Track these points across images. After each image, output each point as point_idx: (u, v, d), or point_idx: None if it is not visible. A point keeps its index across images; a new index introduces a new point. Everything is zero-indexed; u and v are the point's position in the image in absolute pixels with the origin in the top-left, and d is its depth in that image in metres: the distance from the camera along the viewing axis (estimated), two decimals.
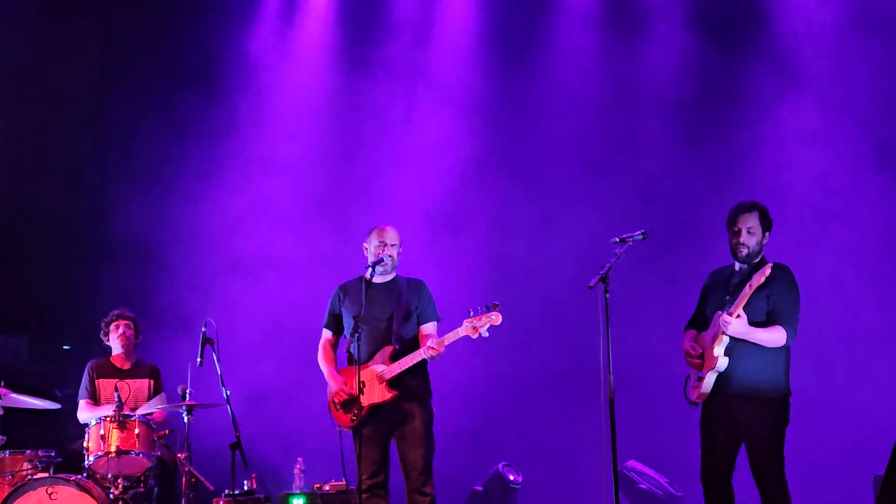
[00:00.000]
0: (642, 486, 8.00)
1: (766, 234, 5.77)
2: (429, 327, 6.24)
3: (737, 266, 5.80)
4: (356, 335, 6.00)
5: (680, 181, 8.97)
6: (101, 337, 7.53)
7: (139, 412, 6.87)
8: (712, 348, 5.58)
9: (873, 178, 8.56)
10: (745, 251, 5.71)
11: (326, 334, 6.42)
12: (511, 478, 8.33)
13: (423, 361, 6.13)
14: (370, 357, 6.13)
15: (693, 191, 8.83)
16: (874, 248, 8.45)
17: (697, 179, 8.86)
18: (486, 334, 5.92)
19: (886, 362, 8.26)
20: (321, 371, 6.37)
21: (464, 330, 5.94)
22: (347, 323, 6.28)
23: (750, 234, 5.71)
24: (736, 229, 5.74)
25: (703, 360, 5.69)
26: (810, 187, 8.69)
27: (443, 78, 9.83)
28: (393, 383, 6.06)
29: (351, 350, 6.19)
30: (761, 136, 8.91)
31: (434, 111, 9.73)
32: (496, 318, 5.91)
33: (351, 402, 6.04)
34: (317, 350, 6.40)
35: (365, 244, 6.40)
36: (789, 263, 5.73)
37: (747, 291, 5.46)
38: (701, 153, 8.97)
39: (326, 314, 6.43)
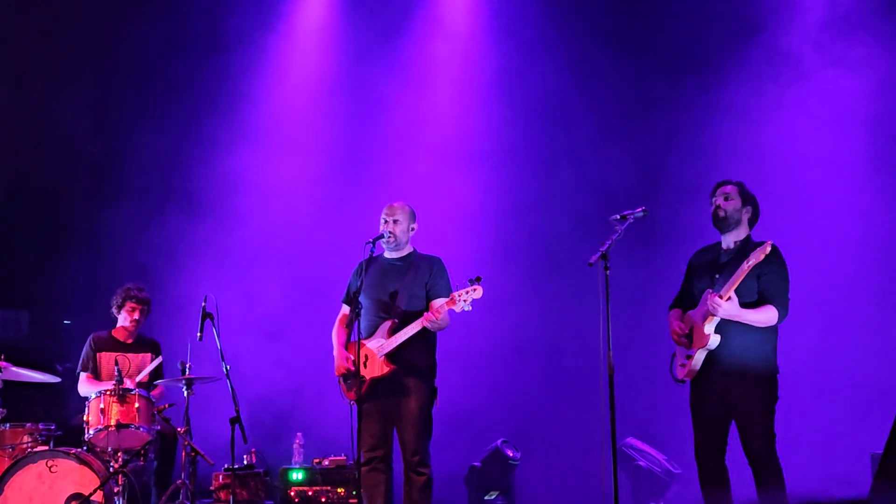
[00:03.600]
0: (640, 463, 8.01)
1: (748, 207, 5.79)
2: (438, 303, 6.18)
3: (724, 244, 5.81)
4: (355, 311, 6.05)
5: (680, 160, 8.95)
6: (113, 307, 7.53)
7: (138, 378, 6.91)
8: (702, 326, 5.59)
9: (863, 153, 8.57)
10: (721, 213, 5.75)
11: (343, 309, 6.43)
12: (510, 454, 8.35)
13: (430, 338, 6.15)
14: (374, 331, 6.15)
15: (693, 170, 8.80)
16: (869, 223, 8.44)
17: (697, 160, 8.83)
18: (469, 308, 5.94)
19: (884, 340, 8.26)
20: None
21: (448, 303, 5.97)
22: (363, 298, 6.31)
23: (727, 200, 5.77)
24: (714, 198, 5.82)
25: (690, 339, 5.70)
26: (801, 162, 8.70)
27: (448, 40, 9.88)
28: (392, 357, 6.07)
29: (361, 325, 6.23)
30: (760, 118, 8.89)
31: (435, 78, 9.78)
32: (477, 292, 5.93)
33: (354, 377, 6.06)
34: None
35: (380, 220, 6.40)
36: (784, 240, 5.74)
37: (745, 269, 5.45)
38: (701, 132, 8.95)
39: (346, 289, 6.44)
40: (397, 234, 6.29)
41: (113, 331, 7.53)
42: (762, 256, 5.40)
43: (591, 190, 9.02)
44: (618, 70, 9.38)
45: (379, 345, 6.08)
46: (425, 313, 6.04)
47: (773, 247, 5.62)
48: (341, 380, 6.24)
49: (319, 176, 9.76)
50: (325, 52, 10.11)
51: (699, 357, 5.62)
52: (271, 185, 9.75)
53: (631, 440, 8.28)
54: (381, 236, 6.25)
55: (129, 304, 7.47)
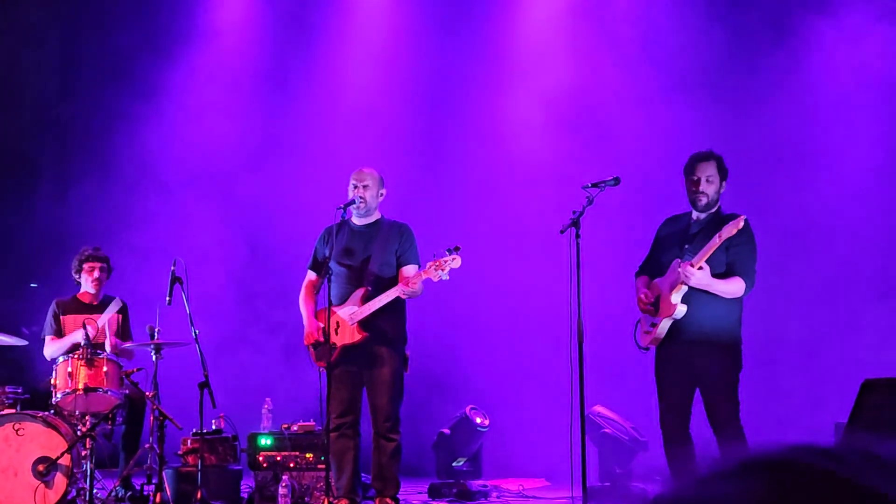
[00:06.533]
0: (607, 430, 8.06)
1: (723, 182, 5.76)
2: (408, 269, 6.21)
3: (694, 215, 5.81)
4: (325, 277, 6.04)
5: (659, 128, 8.92)
6: (73, 273, 7.48)
7: (100, 322, 6.88)
8: (669, 295, 5.59)
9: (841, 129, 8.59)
10: (704, 200, 5.69)
11: (310, 276, 6.43)
12: (478, 421, 8.38)
13: (401, 306, 6.16)
14: (346, 298, 6.14)
15: (671, 137, 8.78)
16: (839, 196, 8.48)
17: (676, 127, 8.81)
18: (446, 277, 5.95)
19: (850, 309, 8.34)
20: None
21: (425, 273, 5.96)
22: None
23: (708, 183, 5.69)
24: (695, 178, 5.72)
25: (656, 307, 5.73)
26: (785, 140, 8.69)
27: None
28: (364, 325, 6.07)
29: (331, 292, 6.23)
30: (743, 88, 8.88)
31: (392, 41, 9.74)
32: (456, 262, 5.93)
33: (324, 344, 6.06)
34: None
35: (349, 187, 6.37)
36: (750, 213, 5.74)
37: (716, 242, 5.43)
38: (683, 101, 8.92)
39: (312, 255, 6.43)
40: (367, 200, 6.28)
41: (77, 294, 7.49)
42: (734, 231, 5.37)
43: (563, 154, 9.00)
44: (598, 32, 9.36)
45: (351, 312, 6.08)
46: (400, 282, 6.04)
47: (744, 221, 5.65)
48: (311, 347, 6.24)
49: (284, 140, 9.73)
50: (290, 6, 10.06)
51: (664, 326, 5.64)
52: (238, 148, 9.71)
53: (598, 408, 8.33)
54: (353, 202, 6.23)
55: (86, 265, 7.41)
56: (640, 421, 7.89)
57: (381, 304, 6.04)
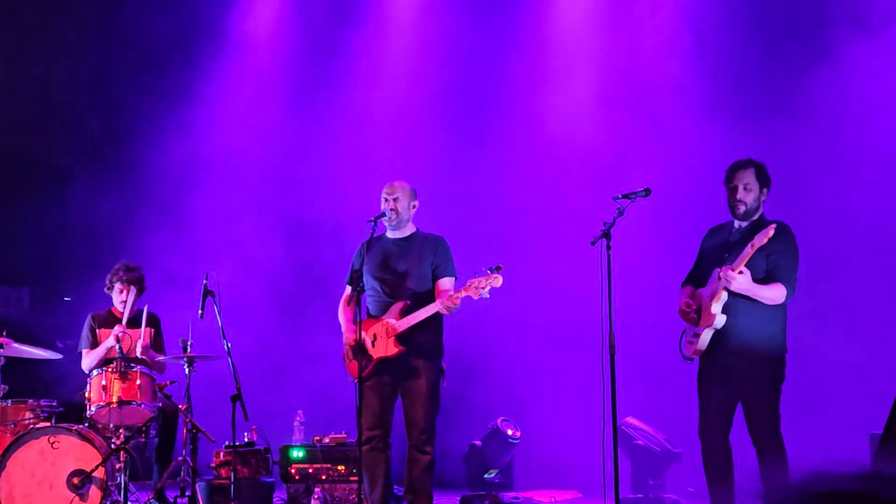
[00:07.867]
0: (639, 442, 8.02)
1: (764, 190, 5.75)
2: (445, 282, 6.21)
3: (736, 224, 5.79)
4: (357, 290, 6.04)
5: (690, 136, 8.89)
6: (105, 290, 7.52)
7: (138, 349, 6.96)
8: (710, 305, 5.59)
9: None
10: (742, 208, 5.70)
11: (348, 290, 6.44)
12: (509, 433, 8.36)
13: (438, 319, 6.15)
14: (384, 311, 6.15)
15: (701, 146, 8.74)
16: (878, 208, 8.41)
17: (706, 136, 8.78)
18: (487, 296, 5.93)
19: (885, 320, 8.26)
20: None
21: (465, 290, 5.94)
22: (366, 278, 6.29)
23: (747, 191, 5.70)
24: (732, 186, 5.73)
25: (699, 316, 5.71)
26: (826, 154, 8.62)
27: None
28: (402, 338, 6.07)
29: (368, 305, 6.24)
30: (770, 99, 8.83)
31: (423, 57, 9.74)
32: (497, 281, 5.91)
33: (360, 354, 6.05)
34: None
35: (381, 200, 6.39)
36: (785, 221, 5.72)
37: (749, 251, 5.44)
38: (714, 109, 8.88)
39: (350, 269, 6.43)
40: (399, 212, 6.28)
41: (112, 308, 7.53)
42: (765, 240, 5.39)
43: (594, 165, 8.99)
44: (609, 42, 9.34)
45: (389, 325, 6.08)
46: (440, 298, 6.02)
47: (783, 225, 5.62)
48: (347, 359, 6.24)
49: (321, 153, 9.76)
50: (329, 17, 10.08)
51: (706, 336, 5.62)
52: (274, 161, 9.75)
53: (630, 419, 8.29)
54: (383, 214, 6.24)
55: (117, 286, 7.44)
56: (672, 432, 7.86)
57: (419, 320, 6.04)
